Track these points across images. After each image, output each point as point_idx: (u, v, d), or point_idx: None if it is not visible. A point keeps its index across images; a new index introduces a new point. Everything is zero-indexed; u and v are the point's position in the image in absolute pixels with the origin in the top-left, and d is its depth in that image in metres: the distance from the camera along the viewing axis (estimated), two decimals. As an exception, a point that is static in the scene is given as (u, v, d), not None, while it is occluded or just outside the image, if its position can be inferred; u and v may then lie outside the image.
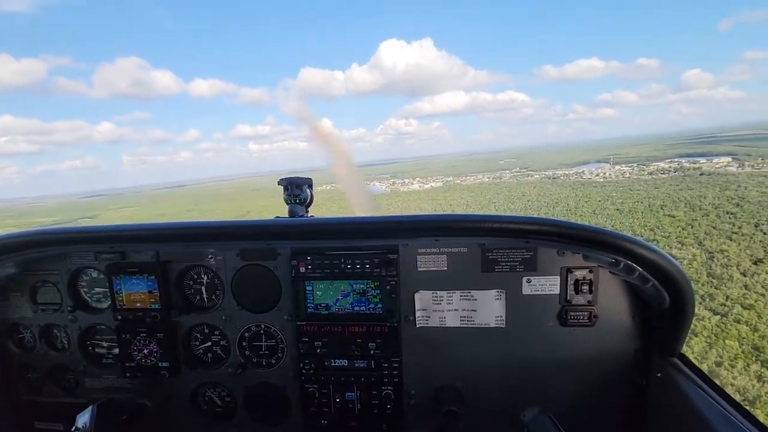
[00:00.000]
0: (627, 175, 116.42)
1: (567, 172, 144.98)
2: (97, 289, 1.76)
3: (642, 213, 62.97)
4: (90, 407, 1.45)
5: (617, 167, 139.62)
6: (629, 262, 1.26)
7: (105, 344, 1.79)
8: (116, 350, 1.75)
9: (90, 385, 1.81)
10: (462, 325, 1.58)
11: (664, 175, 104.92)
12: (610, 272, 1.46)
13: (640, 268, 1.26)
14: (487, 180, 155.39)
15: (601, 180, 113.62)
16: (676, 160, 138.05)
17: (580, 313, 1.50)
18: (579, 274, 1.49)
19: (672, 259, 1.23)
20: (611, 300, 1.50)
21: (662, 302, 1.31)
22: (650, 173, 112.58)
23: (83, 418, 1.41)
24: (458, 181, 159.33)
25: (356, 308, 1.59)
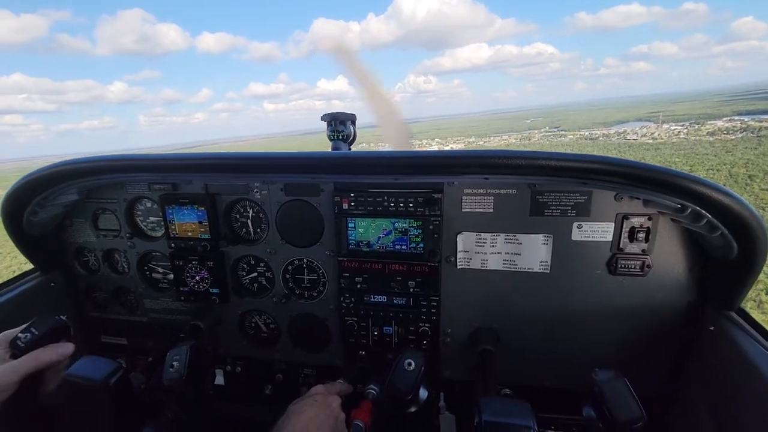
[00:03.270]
0: (682, 136, 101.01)
1: (606, 132, 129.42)
2: (152, 218, 1.85)
3: (725, 184, 50.28)
4: (184, 348, 1.49)
5: (665, 126, 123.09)
6: (698, 208, 1.15)
7: (161, 270, 1.91)
8: (171, 276, 1.86)
9: (149, 305, 1.95)
10: (504, 269, 1.55)
11: (730, 136, 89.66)
12: (671, 219, 1.36)
13: (709, 215, 1.15)
14: (514, 141, 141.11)
15: (652, 141, 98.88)
16: (737, 118, 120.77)
17: (632, 262, 1.42)
18: (636, 221, 1.39)
19: (748, 204, 1.12)
20: (668, 249, 1.40)
21: (729, 253, 1.21)
22: (710, 133, 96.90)
23: (177, 359, 1.47)
24: (481, 143, 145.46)
25: (397, 247, 1.58)
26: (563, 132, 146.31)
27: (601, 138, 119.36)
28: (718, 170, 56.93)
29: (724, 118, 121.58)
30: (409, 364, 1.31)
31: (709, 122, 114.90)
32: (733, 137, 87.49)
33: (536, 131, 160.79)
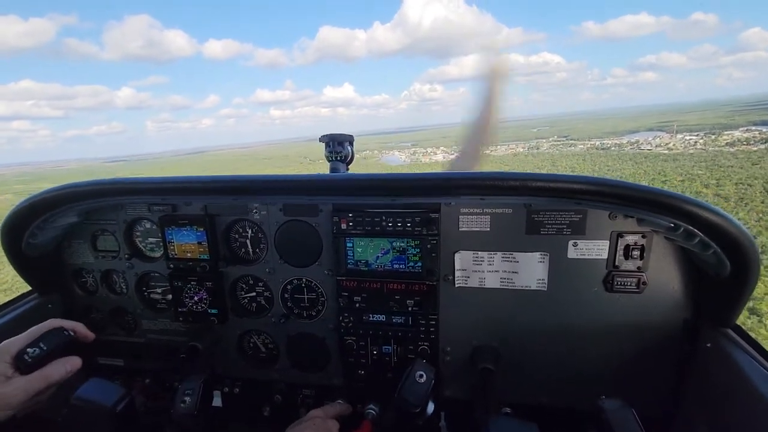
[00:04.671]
0: (699, 146, 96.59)
1: (618, 142, 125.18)
2: (151, 239, 1.86)
3: (763, 201, 45.96)
4: (197, 383, 1.49)
5: (679, 136, 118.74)
6: (690, 227, 1.17)
7: (159, 290, 1.91)
8: (169, 296, 1.86)
9: (147, 326, 1.94)
10: (502, 287, 1.55)
11: (752, 147, 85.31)
12: (665, 237, 1.38)
13: (701, 234, 1.16)
14: (521, 150, 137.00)
15: (667, 152, 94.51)
16: (754, 128, 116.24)
17: (628, 280, 1.43)
18: (630, 239, 1.40)
19: (738, 222, 1.13)
20: (663, 267, 1.42)
21: (722, 270, 1.22)
22: (729, 144, 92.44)
23: (189, 393, 1.45)
24: (488, 151, 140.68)
25: (395, 266, 1.59)
26: (573, 141, 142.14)
27: (613, 148, 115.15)
28: (750, 185, 52.41)
29: (741, 129, 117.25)
30: (421, 376, 1.29)
31: (725, 132, 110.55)
32: (755, 148, 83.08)
33: (544, 140, 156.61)
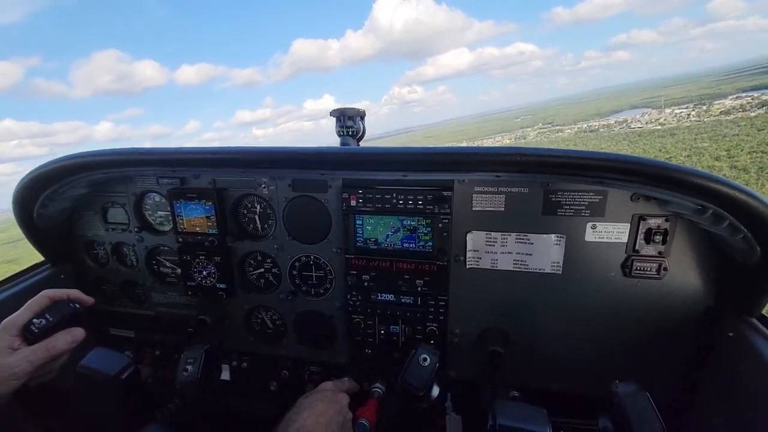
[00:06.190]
0: (693, 118, 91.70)
1: (605, 123, 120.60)
2: (160, 213, 1.86)
3: (789, 168, 40.48)
4: (200, 351, 1.51)
5: (668, 110, 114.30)
6: (720, 210, 1.10)
7: (168, 264, 1.92)
8: (178, 270, 1.87)
9: (156, 299, 1.96)
10: (515, 269, 1.50)
11: (751, 113, 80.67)
12: (690, 221, 1.31)
13: (732, 216, 1.09)
14: (508, 141, 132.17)
15: (660, 127, 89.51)
16: (744, 95, 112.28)
17: (648, 265, 1.37)
18: (653, 222, 1.33)
19: None
20: (686, 251, 1.35)
21: (751, 257, 1.15)
22: (724, 112, 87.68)
23: (191, 362, 1.48)
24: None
25: (405, 245, 1.55)
26: (559, 126, 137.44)
27: (601, 129, 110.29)
28: (764, 152, 47.11)
29: (731, 96, 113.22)
30: (424, 359, 1.27)
31: (716, 102, 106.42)
32: (754, 114, 78.37)
33: (530, 129, 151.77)
